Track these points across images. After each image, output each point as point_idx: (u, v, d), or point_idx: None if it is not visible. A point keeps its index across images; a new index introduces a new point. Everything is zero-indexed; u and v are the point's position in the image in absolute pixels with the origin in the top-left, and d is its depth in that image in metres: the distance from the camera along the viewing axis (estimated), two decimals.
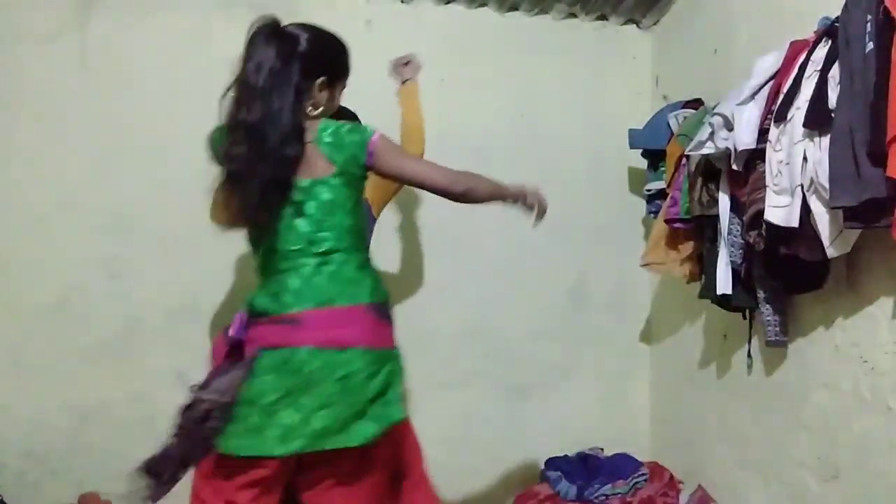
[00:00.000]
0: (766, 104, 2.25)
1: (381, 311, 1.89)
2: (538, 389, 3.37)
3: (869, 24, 1.88)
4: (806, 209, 2.05)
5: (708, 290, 2.61)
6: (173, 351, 3.00)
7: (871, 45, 1.86)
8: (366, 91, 2.88)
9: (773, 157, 2.17)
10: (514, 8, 3.48)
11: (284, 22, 2.03)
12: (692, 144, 2.56)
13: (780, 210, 2.12)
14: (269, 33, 1.94)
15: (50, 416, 2.88)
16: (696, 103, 2.98)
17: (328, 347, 1.77)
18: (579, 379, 3.43)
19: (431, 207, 3.16)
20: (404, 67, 2.63)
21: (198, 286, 3.04)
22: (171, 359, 3.00)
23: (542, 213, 2.12)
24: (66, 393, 2.89)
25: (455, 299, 3.25)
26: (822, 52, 2.09)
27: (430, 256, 3.23)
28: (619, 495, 2.96)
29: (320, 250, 1.86)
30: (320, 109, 1.98)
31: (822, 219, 2.01)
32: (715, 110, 2.47)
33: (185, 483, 1.90)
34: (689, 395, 3.15)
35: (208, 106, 3.12)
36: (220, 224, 2.16)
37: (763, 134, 2.24)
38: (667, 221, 2.84)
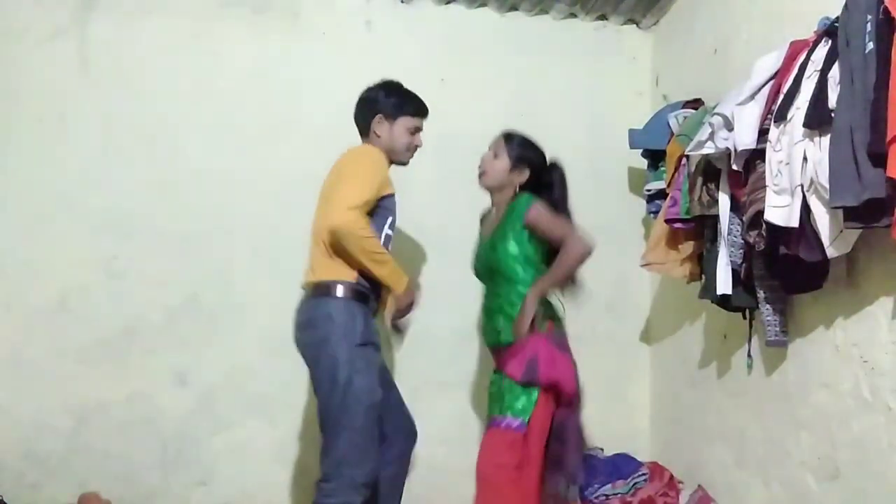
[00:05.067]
0: (766, 104, 2.25)
1: None
2: None
3: (869, 24, 1.88)
4: (806, 209, 2.05)
5: (708, 290, 2.61)
6: (173, 351, 3.00)
7: (871, 45, 1.87)
8: None
9: (773, 157, 2.17)
10: (514, 8, 3.48)
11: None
12: (692, 144, 2.56)
13: (780, 210, 2.12)
14: None
15: (50, 417, 2.88)
16: (696, 103, 2.98)
17: None
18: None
19: (430, 209, 3.17)
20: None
21: (198, 286, 3.04)
22: (171, 359, 3.01)
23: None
24: (66, 393, 2.90)
25: (455, 300, 3.24)
26: (822, 52, 2.09)
27: (430, 257, 3.23)
28: (619, 495, 2.96)
29: None
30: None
31: (822, 219, 2.01)
32: (715, 110, 2.47)
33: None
34: (689, 395, 3.15)
35: (208, 106, 3.15)
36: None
37: (763, 134, 2.24)
38: (667, 221, 2.83)
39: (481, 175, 2.55)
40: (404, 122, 2.47)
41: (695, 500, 2.88)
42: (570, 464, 2.37)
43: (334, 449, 2.22)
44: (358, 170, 2.31)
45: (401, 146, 2.47)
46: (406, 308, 2.42)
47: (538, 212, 2.42)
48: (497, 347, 2.48)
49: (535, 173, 2.52)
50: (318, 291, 2.33)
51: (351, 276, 2.30)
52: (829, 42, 2.06)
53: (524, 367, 2.33)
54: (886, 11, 1.84)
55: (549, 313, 2.44)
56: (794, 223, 2.07)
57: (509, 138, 2.54)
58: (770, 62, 2.29)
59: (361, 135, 2.53)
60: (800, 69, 2.14)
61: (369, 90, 2.53)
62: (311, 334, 2.31)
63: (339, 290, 2.30)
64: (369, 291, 2.35)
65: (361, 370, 2.25)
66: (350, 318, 2.28)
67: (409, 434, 2.55)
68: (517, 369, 2.34)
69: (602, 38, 3.58)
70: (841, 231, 1.98)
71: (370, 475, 2.24)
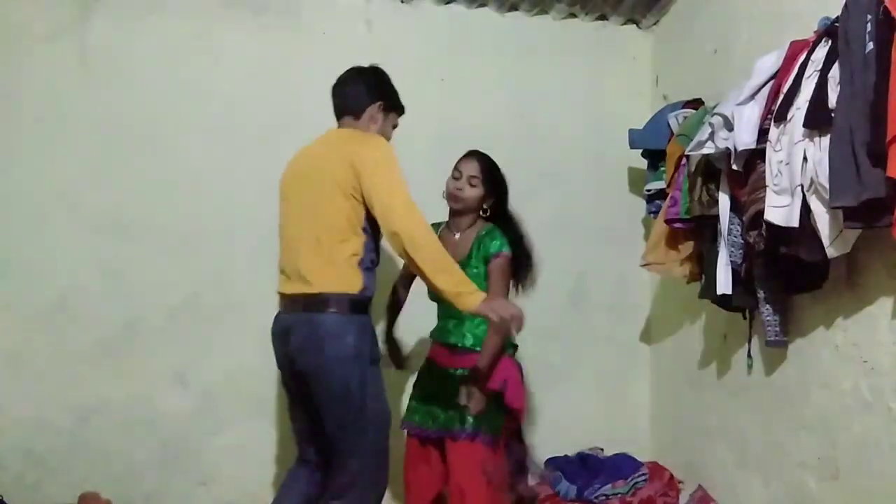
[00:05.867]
0: (766, 104, 2.25)
1: None
2: (538, 389, 3.36)
3: (869, 24, 1.88)
4: (806, 209, 2.05)
5: (708, 290, 2.61)
6: (173, 351, 3.00)
7: (871, 45, 1.87)
8: None
9: (773, 157, 2.17)
10: (514, 8, 3.48)
11: None
12: (692, 144, 2.56)
13: (780, 210, 2.12)
14: None
15: (50, 416, 2.88)
16: (696, 103, 2.98)
17: None
18: (579, 379, 3.43)
19: (429, 210, 3.14)
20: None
21: (198, 286, 3.04)
22: (171, 359, 3.01)
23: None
24: (66, 393, 2.89)
25: None
26: (822, 52, 2.09)
27: None
28: (619, 495, 2.96)
29: None
30: None
31: (822, 219, 2.01)
32: (715, 110, 2.47)
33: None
34: (689, 395, 3.15)
35: (208, 106, 3.15)
36: None
37: (763, 134, 2.24)
38: (667, 221, 2.83)
39: (456, 199, 2.55)
40: (393, 119, 2.35)
41: (695, 500, 2.88)
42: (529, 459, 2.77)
43: (347, 468, 2.16)
44: (391, 164, 2.14)
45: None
46: (513, 322, 2.13)
47: (500, 266, 2.50)
48: (456, 347, 2.56)
49: (500, 199, 2.61)
50: (319, 306, 2.12)
51: (355, 286, 2.14)
52: (829, 42, 2.06)
53: (498, 383, 2.46)
54: (886, 11, 1.85)
55: (509, 341, 2.55)
56: (794, 223, 2.07)
57: (482, 164, 2.56)
58: (770, 62, 2.29)
59: (348, 114, 2.30)
60: (800, 69, 2.14)
61: (372, 72, 2.35)
62: (317, 356, 2.12)
63: (344, 305, 2.13)
64: (369, 300, 2.22)
65: (373, 393, 2.17)
66: (360, 337, 2.14)
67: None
68: (494, 382, 2.45)
69: (602, 38, 3.58)
70: (841, 231, 1.98)
71: (382, 494, 2.24)
